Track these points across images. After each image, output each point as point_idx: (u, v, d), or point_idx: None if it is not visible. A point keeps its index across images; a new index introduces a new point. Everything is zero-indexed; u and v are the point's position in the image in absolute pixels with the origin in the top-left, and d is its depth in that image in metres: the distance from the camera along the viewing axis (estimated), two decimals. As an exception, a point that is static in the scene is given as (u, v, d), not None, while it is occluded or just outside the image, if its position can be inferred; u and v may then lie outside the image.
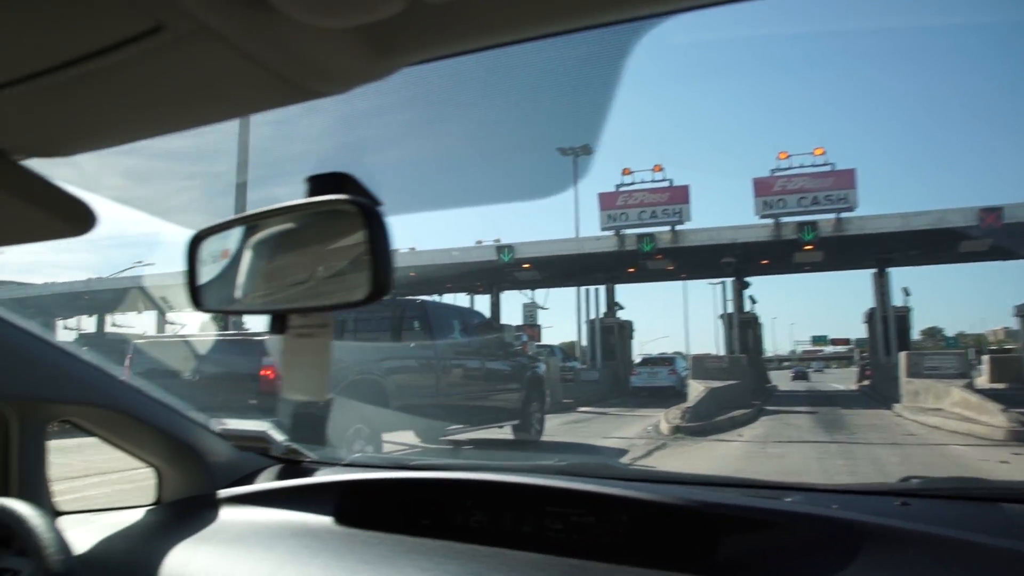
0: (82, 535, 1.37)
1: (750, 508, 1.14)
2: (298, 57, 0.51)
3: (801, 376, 52.17)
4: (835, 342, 80.00)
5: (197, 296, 0.90)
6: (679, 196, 25.63)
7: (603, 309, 29.03)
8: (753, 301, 29.42)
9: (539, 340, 29.45)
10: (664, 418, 13.10)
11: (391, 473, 1.47)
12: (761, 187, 24.37)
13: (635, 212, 25.68)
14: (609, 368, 26.46)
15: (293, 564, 1.20)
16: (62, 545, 1.03)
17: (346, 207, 0.72)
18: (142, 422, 1.47)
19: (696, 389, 16.17)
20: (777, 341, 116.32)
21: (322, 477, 1.54)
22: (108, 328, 37.35)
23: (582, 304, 29.21)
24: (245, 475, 1.59)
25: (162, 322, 35.87)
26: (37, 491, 1.38)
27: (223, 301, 0.92)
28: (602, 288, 29.07)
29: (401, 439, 9.09)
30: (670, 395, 20.07)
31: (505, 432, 11.13)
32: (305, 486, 1.47)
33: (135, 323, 38.57)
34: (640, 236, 24.84)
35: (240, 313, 0.98)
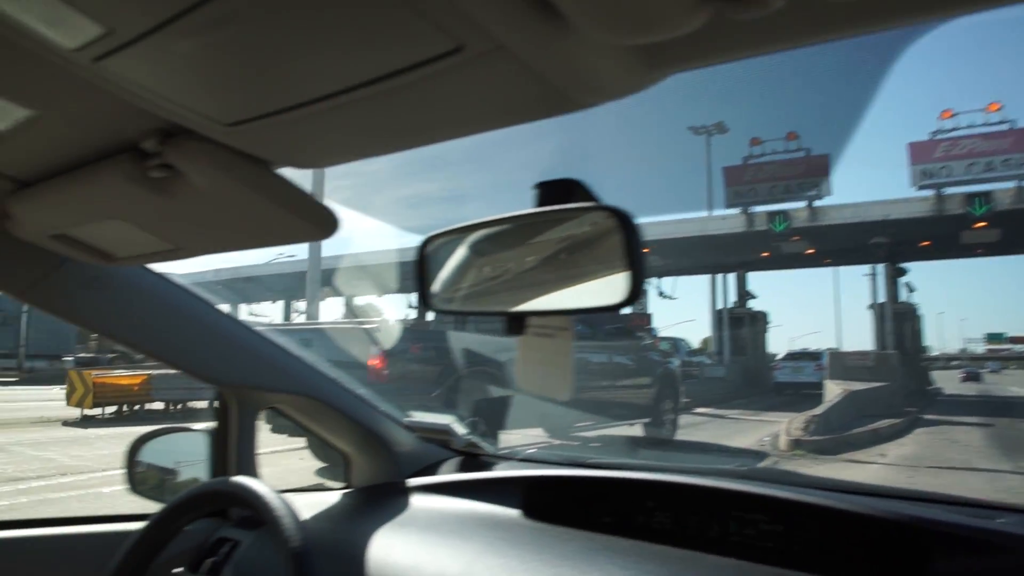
0: None
1: (965, 527, 1.03)
2: (579, 71, 0.51)
3: (973, 377, 46.73)
4: (1014, 340, 71.15)
5: (428, 298, 0.92)
6: (818, 168, 22.53)
7: (735, 299, 26.55)
8: (910, 289, 25.76)
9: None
10: (785, 429, 10.64)
11: (571, 470, 1.48)
12: (919, 152, 20.83)
13: (765, 187, 23.01)
14: (738, 364, 23.96)
15: (491, 554, 1.21)
16: (298, 521, 1.08)
17: (601, 215, 0.74)
18: (339, 411, 1.61)
19: (832, 391, 13.98)
20: (945, 338, 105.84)
21: (504, 471, 1.55)
22: (243, 316, 39.55)
23: (713, 294, 26.93)
24: (427, 466, 1.66)
25: (290, 310, 37.33)
26: (250, 471, 1.53)
27: (455, 302, 0.92)
28: (731, 276, 26.53)
29: (525, 434, 8.69)
30: (815, 393, 17.45)
31: (635, 430, 10.50)
32: (490, 479, 1.50)
33: (269, 311, 40.72)
34: (772, 214, 22.15)
35: (473, 314, 0.93)
